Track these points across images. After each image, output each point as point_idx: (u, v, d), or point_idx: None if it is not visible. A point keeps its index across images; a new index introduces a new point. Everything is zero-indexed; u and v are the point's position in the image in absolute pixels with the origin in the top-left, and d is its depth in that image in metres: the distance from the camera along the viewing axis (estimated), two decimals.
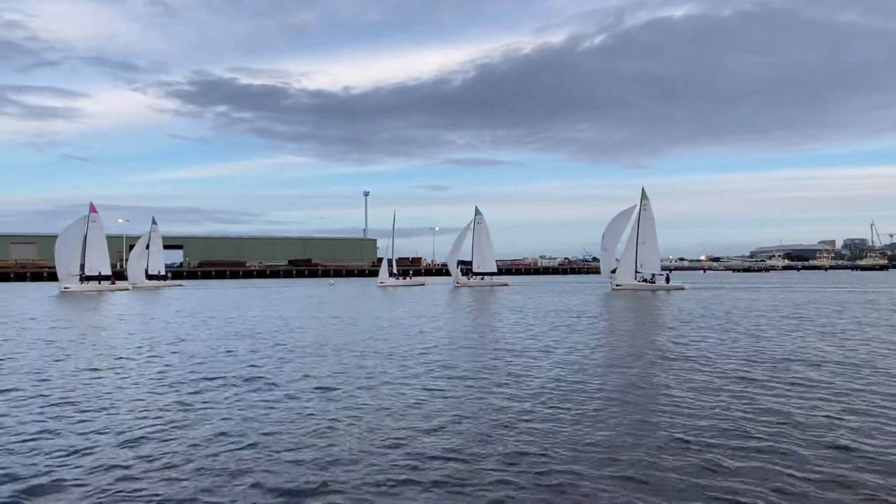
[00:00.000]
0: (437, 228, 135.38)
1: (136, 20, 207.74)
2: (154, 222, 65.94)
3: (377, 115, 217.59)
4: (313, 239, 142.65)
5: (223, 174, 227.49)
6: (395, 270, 60.54)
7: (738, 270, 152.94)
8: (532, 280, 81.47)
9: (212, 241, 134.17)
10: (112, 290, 52.00)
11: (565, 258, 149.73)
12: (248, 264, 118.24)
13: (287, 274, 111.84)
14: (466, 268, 57.59)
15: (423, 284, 61.41)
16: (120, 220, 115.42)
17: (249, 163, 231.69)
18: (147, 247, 65.20)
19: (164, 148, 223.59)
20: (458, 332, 19.39)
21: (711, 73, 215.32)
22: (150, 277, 63.10)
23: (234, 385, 10.90)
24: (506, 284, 57.13)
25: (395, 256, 63.41)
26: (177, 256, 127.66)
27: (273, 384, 10.92)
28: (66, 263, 51.97)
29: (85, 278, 52.04)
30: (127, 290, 53.38)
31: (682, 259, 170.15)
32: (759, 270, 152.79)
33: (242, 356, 14.30)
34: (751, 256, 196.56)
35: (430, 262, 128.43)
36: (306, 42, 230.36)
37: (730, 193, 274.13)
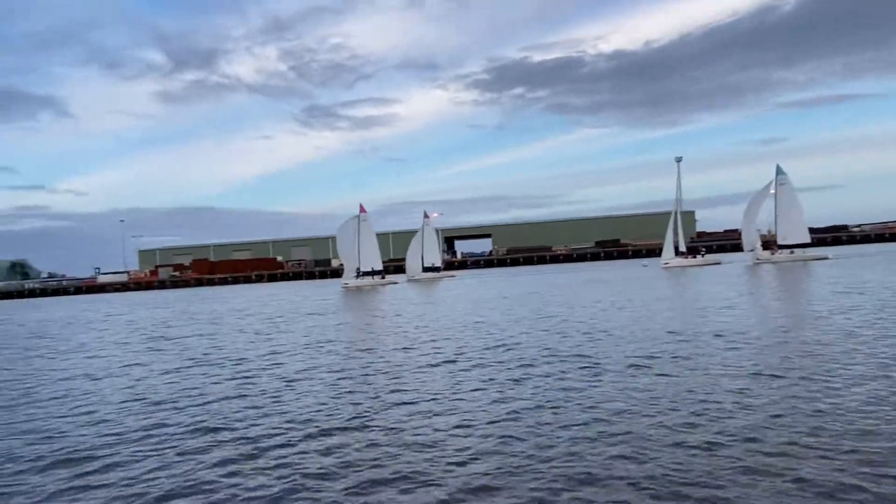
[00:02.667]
0: (771, 191, 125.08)
1: (434, 20, 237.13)
2: (426, 216, 72.29)
3: (686, 66, 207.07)
4: (621, 217, 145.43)
5: (523, 157, 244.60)
6: (682, 248, 60.52)
7: None
8: (877, 250, 68.21)
9: (518, 228, 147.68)
10: (384, 284, 60.37)
11: None
12: (553, 249, 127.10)
13: (595, 256, 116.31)
14: (770, 241, 54.61)
15: (719, 263, 59.11)
16: (435, 214, 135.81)
17: (548, 142, 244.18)
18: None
19: (466, 139, 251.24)
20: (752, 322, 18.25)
21: None
22: (426, 270, 70.05)
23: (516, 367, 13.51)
24: (826, 258, 51.61)
25: (711, 230, 62.18)
26: (486, 245, 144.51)
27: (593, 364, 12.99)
28: (348, 260, 61.98)
29: (362, 274, 61.47)
30: (395, 283, 60.97)
31: None
32: None
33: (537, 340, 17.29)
34: None
35: (763, 232, 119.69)
36: (600, 1, 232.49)
37: None
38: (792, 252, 53.60)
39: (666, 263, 59.24)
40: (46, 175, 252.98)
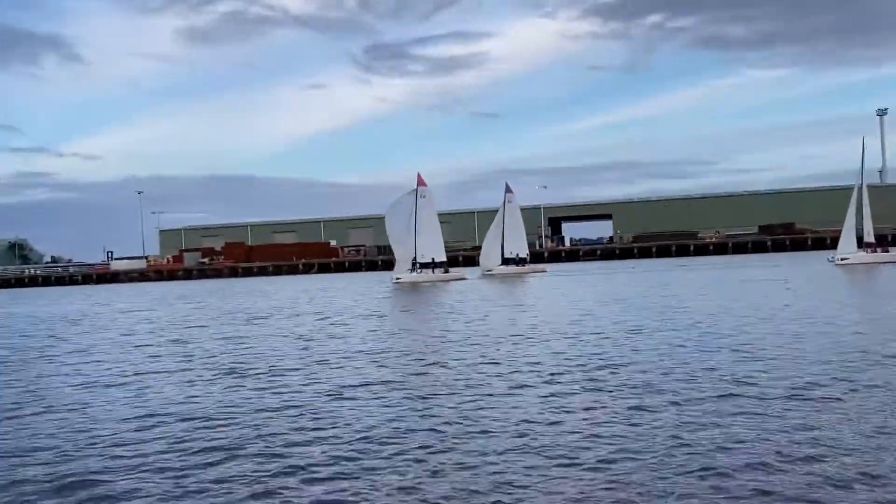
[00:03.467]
0: None
1: None
2: (508, 190, 72.89)
3: None
4: (796, 192, 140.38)
5: (659, 111, 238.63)
6: (869, 238, 57.63)
7: None
8: None
9: (650, 206, 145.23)
10: (448, 280, 61.52)
11: None
12: (700, 235, 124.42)
13: (758, 247, 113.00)
14: None
15: None
16: (536, 187, 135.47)
17: (695, 90, 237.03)
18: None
19: (583, 86, 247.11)
20: None
21: None
22: (506, 262, 71.04)
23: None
24: None
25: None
26: (605, 229, 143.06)
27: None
28: (401, 249, 63.25)
29: (420, 266, 62.72)
30: (463, 279, 61.99)
31: None
32: None
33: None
34: None
35: None
36: None
37: None
38: None
39: (843, 259, 56.80)
40: (52, 135, 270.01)
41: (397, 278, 62.37)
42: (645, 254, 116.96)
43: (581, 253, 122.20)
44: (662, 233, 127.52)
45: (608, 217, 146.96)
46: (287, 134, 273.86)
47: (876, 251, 58.62)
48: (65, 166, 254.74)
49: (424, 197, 64.22)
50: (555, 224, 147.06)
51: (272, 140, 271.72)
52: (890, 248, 59.62)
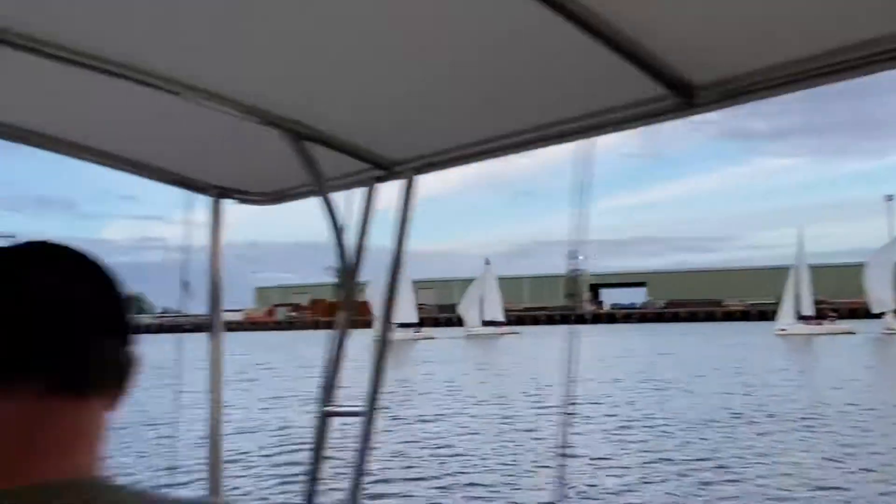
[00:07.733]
0: None
1: None
2: (487, 262, 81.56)
3: None
4: (813, 267, 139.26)
5: (686, 192, 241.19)
6: (807, 311, 62.66)
7: None
8: None
9: (679, 277, 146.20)
10: (417, 339, 65.10)
11: None
12: (724, 303, 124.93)
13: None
14: None
15: (852, 332, 59.32)
16: (581, 257, 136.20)
17: (717, 175, 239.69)
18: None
19: (620, 170, 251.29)
20: None
21: None
22: (486, 324, 76.87)
23: None
24: None
25: None
26: (638, 296, 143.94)
27: None
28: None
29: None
30: (431, 339, 66.24)
31: None
32: None
33: None
34: None
35: None
36: None
37: None
38: None
39: (782, 330, 61.44)
40: (165, 207, 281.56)
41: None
42: (675, 318, 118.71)
43: (618, 316, 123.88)
44: (691, 300, 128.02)
45: (642, 285, 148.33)
46: None
47: (808, 323, 63.75)
48: (175, 232, 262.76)
49: None
50: (594, 290, 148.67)
51: None
52: (822, 322, 64.51)
